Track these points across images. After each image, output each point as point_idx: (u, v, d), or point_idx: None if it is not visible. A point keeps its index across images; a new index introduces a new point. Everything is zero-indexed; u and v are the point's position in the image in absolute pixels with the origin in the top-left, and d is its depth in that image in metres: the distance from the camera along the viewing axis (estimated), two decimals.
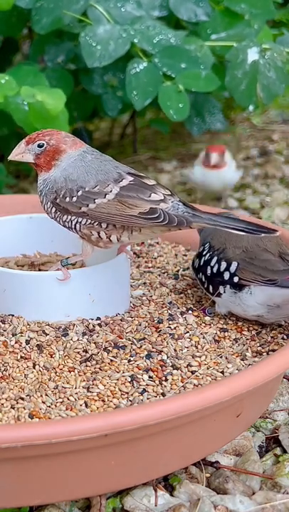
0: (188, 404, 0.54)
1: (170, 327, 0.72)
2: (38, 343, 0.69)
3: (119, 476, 0.57)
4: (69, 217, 0.71)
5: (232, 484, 0.61)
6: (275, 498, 0.60)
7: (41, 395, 0.62)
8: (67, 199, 0.70)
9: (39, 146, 0.72)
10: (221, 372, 0.66)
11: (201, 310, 0.77)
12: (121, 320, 0.74)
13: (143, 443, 0.56)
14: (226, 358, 0.68)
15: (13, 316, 0.73)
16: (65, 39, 1.26)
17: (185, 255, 0.91)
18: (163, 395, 0.63)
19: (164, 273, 0.86)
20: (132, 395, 0.63)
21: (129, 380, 0.64)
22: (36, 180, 0.75)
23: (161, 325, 0.73)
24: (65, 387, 0.64)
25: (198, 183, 1.30)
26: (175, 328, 0.72)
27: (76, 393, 0.63)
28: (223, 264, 0.73)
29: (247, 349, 0.70)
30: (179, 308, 0.77)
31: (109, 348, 0.68)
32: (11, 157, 0.73)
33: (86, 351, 0.68)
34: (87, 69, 1.17)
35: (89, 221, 0.70)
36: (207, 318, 0.75)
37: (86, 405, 0.61)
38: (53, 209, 0.72)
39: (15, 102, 1.06)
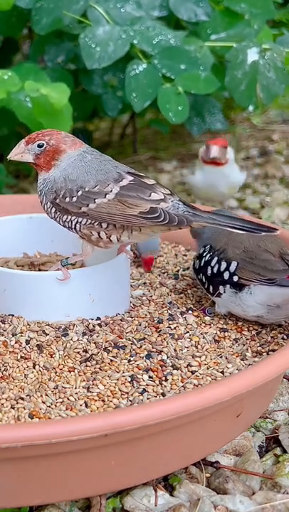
0: (188, 404, 0.54)
1: (170, 327, 0.72)
2: (38, 343, 0.69)
3: (119, 476, 0.57)
4: (69, 217, 0.71)
5: (232, 484, 0.61)
6: (275, 498, 0.60)
7: (41, 395, 0.62)
8: (67, 199, 0.70)
9: (39, 146, 0.72)
10: (221, 372, 0.66)
11: (201, 310, 0.77)
12: (121, 320, 0.74)
13: (143, 443, 0.56)
14: (226, 358, 0.68)
15: (13, 316, 0.73)
16: (65, 39, 1.26)
17: (185, 255, 0.91)
18: (163, 395, 0.63)
19: (164, 273, 0.86)
20: (132, 395, 0.63)
21: (129, 380, 0.64)
22: (36, 180, 0.75)
23: (161, 325, 0.73)
24: (65, 387, 0.64)
25: (200, 187, 1.17)
26: (175, 328, 0.72)
27: (76, 393, 0.63)
28: (223, 264, 0.74)
29: (247, 349, 0.70)
30: (179, 308, 0.77)
31: (109, 348, 0.68)
32: (10, 156, 0.73)
33: (86, 351, 0.68)
34: (87, 69, 1.17)
35: (89, 221, 0.70)
36: (207, 318, 0.75)
37: (86, 405, 0.61)
38: (53, 209, 0.72)
39: (17, 99, 1.06)
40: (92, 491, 0.58)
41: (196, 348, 0.70)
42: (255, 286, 0.71)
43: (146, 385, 0.64)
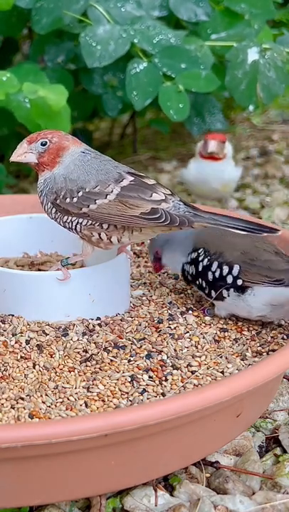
0: (188, 404, 0.54)
1: (170, 327, 0.72)
2: (38, 343, 0.69)
3: (119, 476, 0.57)
4: (69, 217, 0.71)
5: (232, 484, 0.61)
6: (275, 498, 0.60)
7: (41, 395, 0.62)
8: (68, 200, 0.70)
9: (42, 144, 0.72)
10: (221, 372, 0.66)
11: (201, 310, 0.77)
12: (121, 320, 0.74)
13: (143, 443, 0.56)
14: (226, 358, 0.68)
15: (13, 316, 0.73)
16: (65, 39, 1.26)
17: None
18: (163, 395, 0.63)
19: (164, 273, 0.86)
20: (132, 395, 0.63)
21: (129, 380, 0.64)
22: (36, 180, 0.75)
23: (161, 325, 0.73)
24: (65, 387, 0.64)
25: (193, 182, 1.17)
26: (175, 328, 0.72)
27: (76, 393, 0.63)
28: (225, 268, 0.73)
29: (247, 349, 0.70)
30: (179, 308, 0.77)
31: (109, 348, 0.68)
32: (13, 158, 0.73)
33: (86, 351, 0.68)
34: (87, 69, 1.17)
35: (90, 222, 0.70)
36: (207, 318, 0.75)
37: (86, 405, 0.61)
38: (54, 209, 0.72)
39: (16, 100, 1.06)
40: (92, 491, 0.58)
41: (196, 348, 0.70)
42: (258, 287, 0.71)
43: (146, 385, 0.64)
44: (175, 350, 0.69)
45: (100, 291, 0.73)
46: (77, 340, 0.69)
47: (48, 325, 0.72)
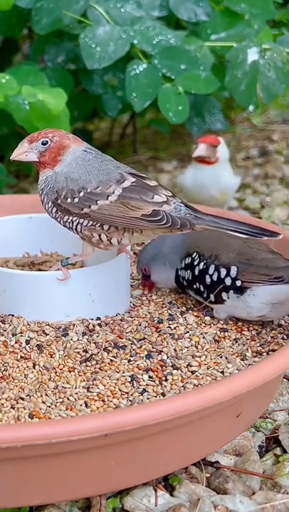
0: (188, 404, 0.54)
1: (170, 327, 0.72)
2: (38, 343, 0.69)
3: (119, 476, 0.57)
4: (70, 217, 0.71)
5: (232, 484, 0.61)
6: (275, 498, 0.60)
7: (41, 395, 0.62)
8: (69, 200, 0.70)
9: (43, 143, 0.72)
10: (221, 372, 0.66)
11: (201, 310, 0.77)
12: (121, 320, 0.74)
13: (143, 443, 0.56)
14: (226, 358, 0.68)
15: (13, 316, 0.73)
16: (65, 39, 1.26)
17: None
18: (163, 395, 0.63)
19: None
20: (132, 395, 0.63)
21: (129, 380, 0.64)
22: (37, 180, 0.74)
23: (161, 325, 0.73)
24: (65, 387, 0.64)
25: (190, 187, 1.15)
26: (175, 328, 0.72)
27: (76, 393, 0.63)
28: (223, 271, 0.73)
29: (247, 349, 0.70)
30: (178, 308, 0.77)
31: (109, 348, 0.68)
32: (13, 157, 0.72)
33: (86, 351, 0.68)
34: (87, 69, 1.17)
35: (90, 222, 0.70)
36: (207, 318, 0.75)
37: (86, 405, 0.61)
38: (54, 209, 0.72)
39: (16, 102, 1.06)
40: (92, 491, 0.58)
41: (196, 348, 0.70)
42: (257, 287, 0.71)
43: (146, 385, 0.64)
44: (175, 350, 0.69)
45: (100, 291, 0.73)
46: (77, 340, 0.69)
47: (48, 325, 0.72)
